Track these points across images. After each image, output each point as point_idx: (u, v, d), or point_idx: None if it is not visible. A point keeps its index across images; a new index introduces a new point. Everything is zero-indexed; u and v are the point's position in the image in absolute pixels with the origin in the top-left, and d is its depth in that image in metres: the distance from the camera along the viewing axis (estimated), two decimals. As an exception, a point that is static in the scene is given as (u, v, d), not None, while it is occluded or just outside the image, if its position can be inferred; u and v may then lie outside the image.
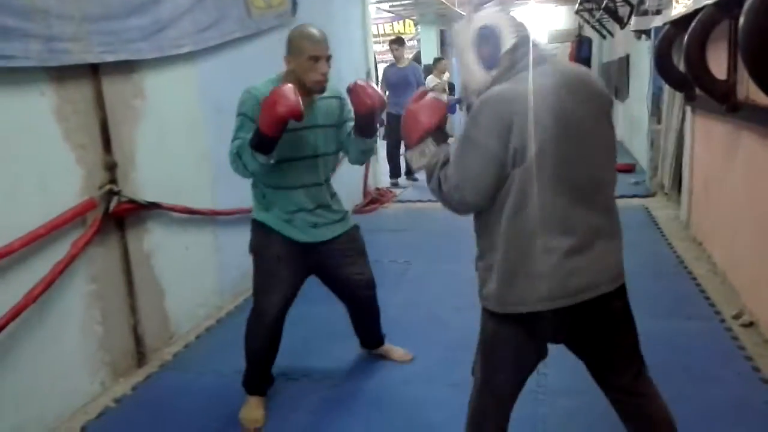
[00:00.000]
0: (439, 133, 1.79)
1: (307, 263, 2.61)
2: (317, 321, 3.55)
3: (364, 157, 2.68)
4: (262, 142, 2.24)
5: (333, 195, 2.66)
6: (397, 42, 7.88)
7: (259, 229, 2.56)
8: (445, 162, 1.68)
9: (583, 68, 1.76)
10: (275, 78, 2.48)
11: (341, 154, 2.71)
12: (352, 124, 2.58)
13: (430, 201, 6.46)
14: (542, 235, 1.57)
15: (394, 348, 3.09)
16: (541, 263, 1.58)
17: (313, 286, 3.71)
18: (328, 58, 2.44)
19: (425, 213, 6.20)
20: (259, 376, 2.67)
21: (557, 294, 1.59)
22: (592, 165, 1.63)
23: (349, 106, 2.58)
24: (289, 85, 2.22)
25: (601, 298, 1.63)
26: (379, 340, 3.07)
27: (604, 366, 1.82)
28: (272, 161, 2.32)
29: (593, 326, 1.72)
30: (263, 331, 2.57)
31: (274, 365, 2.70)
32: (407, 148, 1.82)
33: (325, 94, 2.50)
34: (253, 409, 2.62)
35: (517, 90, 1.55)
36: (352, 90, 2.44)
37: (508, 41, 1.61)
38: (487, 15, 1.65)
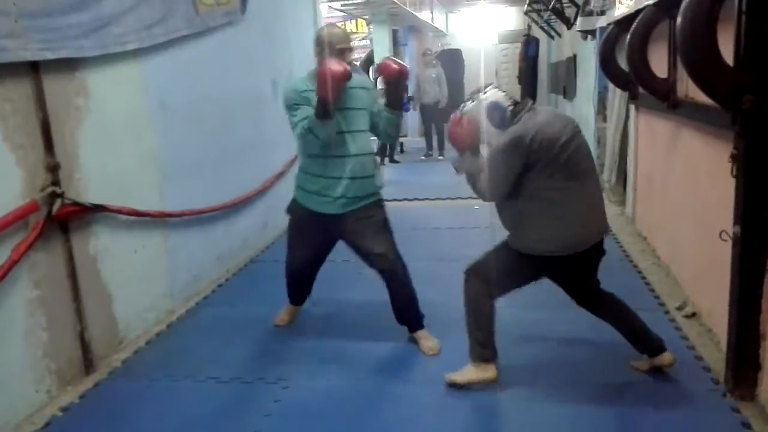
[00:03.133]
0: (475, 149, 2.67)
1: (330, 231, 3.09)
2: (268, 323, 3.52)
3: (392, 131, 3.11)
4: (324, 107, 2.74)
5: (365, 169, 3.01)
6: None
7: (293, 201, 3.16)
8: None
9: (553, 110, 2.71)
10: (307, 75, 3.04)
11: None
12: (380, 107, 3.06)
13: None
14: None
15: (423, 336, 3.15)
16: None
17: (267, 290, 3.68)
18: (351, 50, 3.04)
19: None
20: (291, 295, 3.47)
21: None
22: (583, 159, 2.52)
23: (376, 94, 3.19)
24: (333, 59, 2.79)
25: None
26: (412, 321, 3.18)
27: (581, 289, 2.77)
28: (334, 121, 2.84)
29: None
30: (289, 277, 3.39)
31: (227, 365, 2.67)
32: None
33: (353, 84, 2.96)
34: (284, 312, 3.50)
35: (526, 125, 2.47)
36: (381, 63, 3.03)
37: (507, 105, 2.58)
38: (491, 95, 2.61)
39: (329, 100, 2.72)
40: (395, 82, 2.98)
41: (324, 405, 2.68)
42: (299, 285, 3.43)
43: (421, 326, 3.16)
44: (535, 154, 2.42)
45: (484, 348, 2.68)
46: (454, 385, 2.70)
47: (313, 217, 3.04)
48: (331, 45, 2.89)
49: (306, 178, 3.06)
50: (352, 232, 3.03)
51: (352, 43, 3.08)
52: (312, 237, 3.15)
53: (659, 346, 2.71)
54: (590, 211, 2.56)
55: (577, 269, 2.65)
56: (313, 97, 2.80)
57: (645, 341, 2.72)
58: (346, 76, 2.75)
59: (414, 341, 3.15)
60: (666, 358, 2.70)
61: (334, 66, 2.72)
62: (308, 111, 2.83)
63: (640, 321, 2.75)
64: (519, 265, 2.60)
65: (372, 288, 3.39)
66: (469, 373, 2.70)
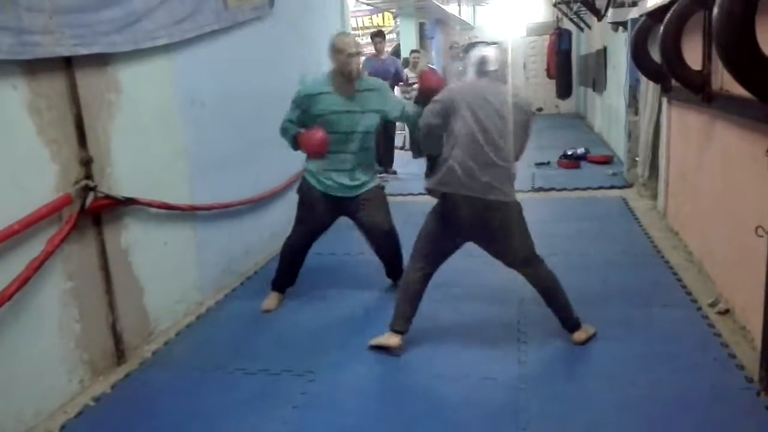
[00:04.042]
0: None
1: (338, 209, 3.59)
2: (296, 316, 3.55)
3: (413, 120, 3.51)
4: (295, 143, 3.52)
5: (363, 165, 3.54)
6: (379, 35, 7.94)
7: (305, 181, 3.58)
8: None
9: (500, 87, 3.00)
10: (323, 75, 3.54)
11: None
12: (398, 107, 3.59)
13: (411, 194, 6.49)
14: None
15: None
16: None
17: (294, 283, 3.71)
18: (359, 54, 3.45)
19: (405, 206, 6.20)
20: (279, 279, 3.72)
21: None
22: (491, 129, 2.85)
23: (389, 94, 3.66)
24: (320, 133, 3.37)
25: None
26: (400, 274, 3.64)
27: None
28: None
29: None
30: (287, 255, 3.67)
31: (255, 357, 2.73)
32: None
33: (365, 87, 3.48)
34: (270, 300, 3.68)
35: (458, 88, 3.03)
36: (423, 73, 3.74)
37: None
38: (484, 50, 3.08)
39: (299, 145, 3.46)
40: (430, 92, 3.27)
41: (350, 398, 2.69)
42: (292, 264, 3.70)
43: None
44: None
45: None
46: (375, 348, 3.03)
47: (322, 198, 3.51)
48: (342, 51, 3.36)
49: (315, 165, 3.51)
50: (360, 210, 3.55)
51: (361, 48, 3.58)
52: (321, 213, 3.56)
53: (570, 328, 3.02)
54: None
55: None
56: (322, 100, 3.39)
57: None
58: (323, 146, 3.38)
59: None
60: (575, 338, 3.00)
61: (314, 137, 3.36)
62: (296, 115, 3.47)
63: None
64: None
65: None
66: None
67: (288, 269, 3.71)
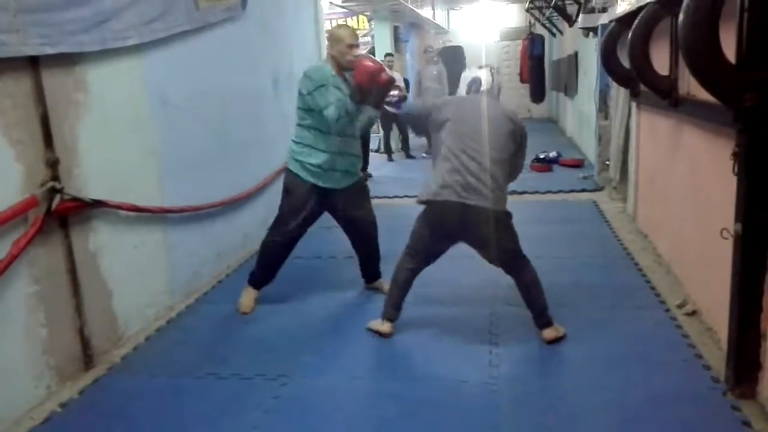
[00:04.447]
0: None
1: (324, 204, 3.54)
2: (268, 320, 3.52)
3: (364, 126, 3.52)
4: (363, 94, 3.27)
5: (357, 149, 3.58)
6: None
7: (292, 174, 3.48)
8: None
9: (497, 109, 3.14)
10: (322, 63, 3.55)
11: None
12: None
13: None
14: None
15: (383, 283, 3.70)
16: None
17: (267, 286, 3.68)
18: (358, 46, 3.44)
19: (380, 209, 6.20)
20: (259, 276, 3.66)
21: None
22: (477, 143, 2.97)
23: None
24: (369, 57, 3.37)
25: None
26: (376, 274, 3.84)
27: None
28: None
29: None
30: (273, 250, 3.59)
31: (226, 361, 2.71)
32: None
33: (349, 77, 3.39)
34: (246, 298, 3.64)
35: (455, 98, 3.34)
36: (355, 62, 3.31)
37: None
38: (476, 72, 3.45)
39: (370, 88, 3.25)
40: (364, 84, 3.25)
41: (323, 402, 2.68)
42: (276, 261, 3.64)
43: (380, 276, 3.84)
44: None
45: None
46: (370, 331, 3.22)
47: (313, 191, 3.46)
48: (341, 40, 3.35)
49: (308, 151, 3.42)
50: (347, 203, 3.57)
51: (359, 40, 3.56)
52: (310, 209, 3.50)
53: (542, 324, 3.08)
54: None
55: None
56: (341, 83, 3.34)
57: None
58: (382, 70, 3.27)
59: (377, 289, 3.80)
60: (546, 335, 3.04)
61: (373, 63, 3.27)
62: (339, 94, 3.29)
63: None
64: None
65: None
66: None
67: (271, 266, 3.64)
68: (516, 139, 3.11)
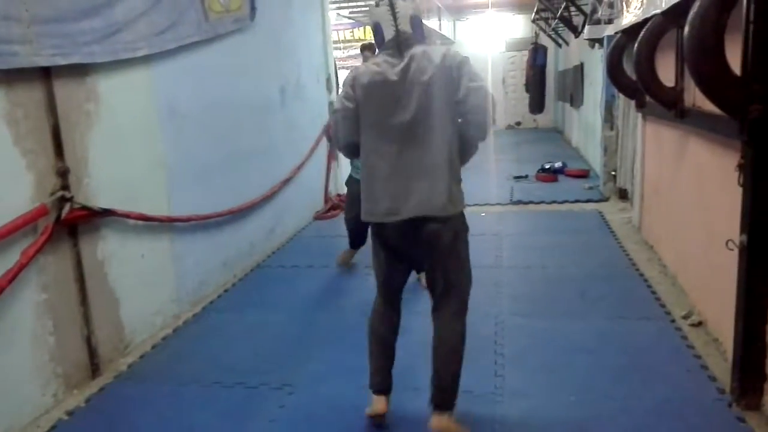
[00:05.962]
0: None
1: None
2: (274, 328, 3.53)
3: None
4: None
5: None
6: (369, 48, 7.92)
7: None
8: None
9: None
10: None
11: None
12: None
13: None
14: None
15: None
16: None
17: (273, 295, 3.69)
18: None
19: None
20: (355, 240, 4.40)
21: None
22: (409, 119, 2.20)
23: None
24: None
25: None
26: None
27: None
28: None
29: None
30: (358, 226, 3.95)
31: (232, 370, 2.69)
32: None
33: None
34: (345, 254, 4.47)
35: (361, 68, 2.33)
36: None
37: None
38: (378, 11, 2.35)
39: None
40: None
41: (328, 411, 2.68)
42: (361, 230, 4.13)
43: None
44: None
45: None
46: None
47: None
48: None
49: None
50: None
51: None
52: None
53: (438, 404, 2.33)
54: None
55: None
56: None
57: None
58: None
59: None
60: (434, 421, 2.31)
61: None
62: None
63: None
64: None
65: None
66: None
67: (359, 234, 4.27)
68: (455, 86, 2.17)
